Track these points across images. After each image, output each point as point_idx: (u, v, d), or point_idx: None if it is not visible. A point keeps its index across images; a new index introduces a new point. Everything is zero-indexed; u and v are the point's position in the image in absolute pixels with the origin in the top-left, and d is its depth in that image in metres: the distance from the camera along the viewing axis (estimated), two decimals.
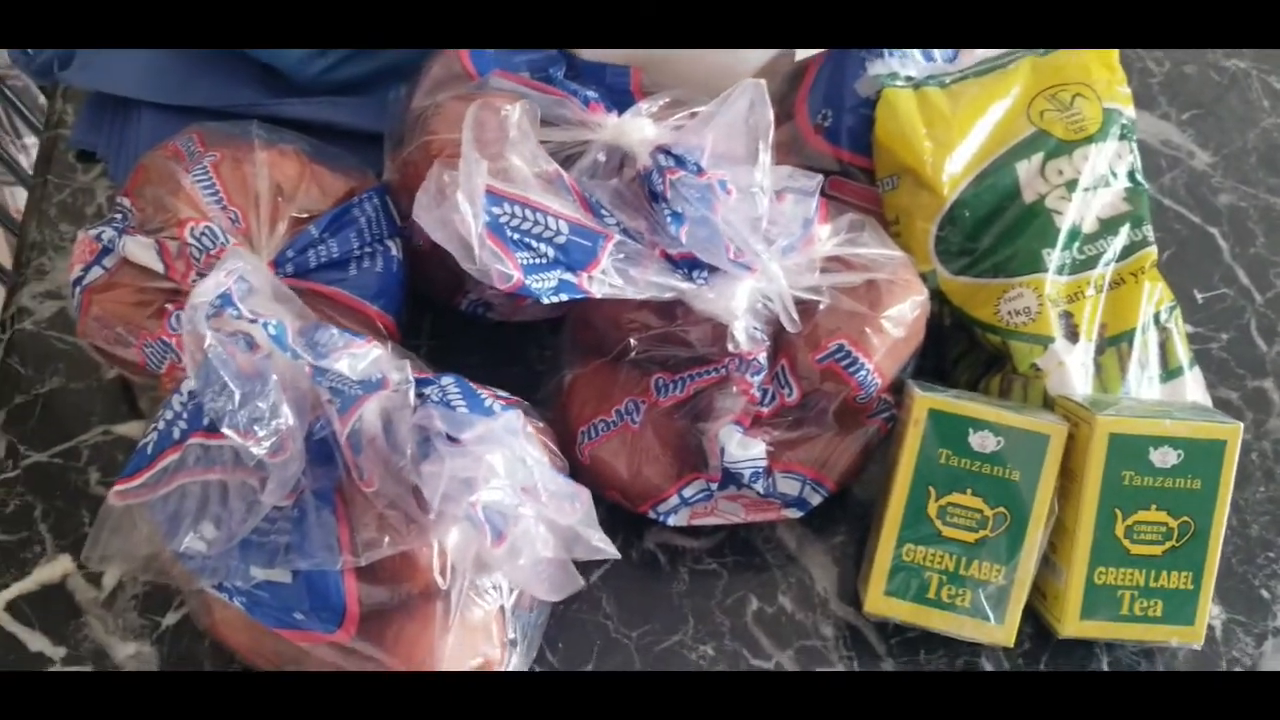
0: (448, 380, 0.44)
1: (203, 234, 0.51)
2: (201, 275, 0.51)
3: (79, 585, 0.56)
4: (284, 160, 0.54)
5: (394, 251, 0.54)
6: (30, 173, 0.78)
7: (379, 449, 0.42)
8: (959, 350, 0.60)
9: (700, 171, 0.48)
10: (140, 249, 0.53)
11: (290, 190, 0.54)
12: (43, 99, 1.05)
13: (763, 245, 0.48)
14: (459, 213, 0.44)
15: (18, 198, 1.14)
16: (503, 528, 0.41)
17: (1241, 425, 0.51)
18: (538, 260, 0.46)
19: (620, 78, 0.60)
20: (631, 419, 0.53)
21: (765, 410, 0.52)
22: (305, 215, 0.54)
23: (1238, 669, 0.55)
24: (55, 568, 0.56)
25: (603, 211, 0.48)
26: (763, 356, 0.51)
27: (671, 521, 0.54)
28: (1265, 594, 0.57)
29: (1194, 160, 0.74)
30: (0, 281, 0.95)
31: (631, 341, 0.52)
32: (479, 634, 0.47)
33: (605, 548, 0.44)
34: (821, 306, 0.51)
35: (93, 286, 0.54)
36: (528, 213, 0.46)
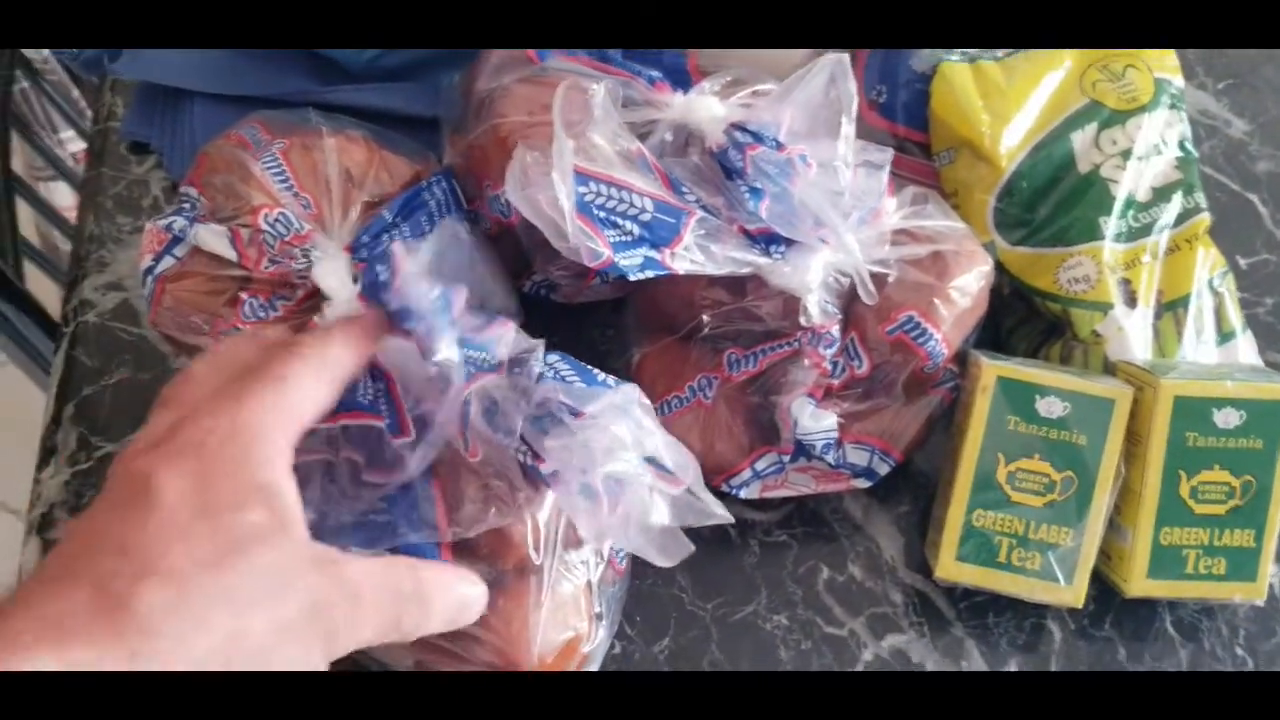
0: (554, 357, 0.45)
1: (277, 220, 0.52)
2: (275, 262, 0.52)
3: None
4: (352, 146, 0.55)
5: (463, 235, 0.55)
6: (71, 166, 0.80)
7: (485, 423, 0.42)
8: (1015, 320, 0.61)
9: (779, 146, 0.49)
10: (213, 237, 0.53)
11: (360, 176, 0.54)
12: (76, 93, 1.05)
13: (841, 219, 0.49)
14: (551, 192, 0.45)
15: (55, 193, 1.14)
16: (619, 496, 0.42)
17: None
18: (624, 238, 0.47)
19: (677, 58, 0.61)
20: (704, 395, 0.54)
21: (836, 383, 0.53)
22: (375, 200, 0.54)
23: None
24: None
25: (683, 189, 0.49)
26: (835, 330, 0.52)
27: (743, 494, 0.55)
28: None
29: (1231, 129, 0.75)
30: (47, 273, 0.96)
31: (705, 318, 0.53)
32: (569, 608, 0.48)
33: (719, 511, 0.45)
34: (890, 279, 0.52)
35: (165, 275, 0.54)
36: (614, 191, 0.47)
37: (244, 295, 0.53)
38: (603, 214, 0.47)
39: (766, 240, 0.49)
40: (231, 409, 0.38)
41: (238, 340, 0.45)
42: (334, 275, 0.51)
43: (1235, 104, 0.76)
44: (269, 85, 0.66)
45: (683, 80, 0.58)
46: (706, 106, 0.53)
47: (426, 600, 0.40)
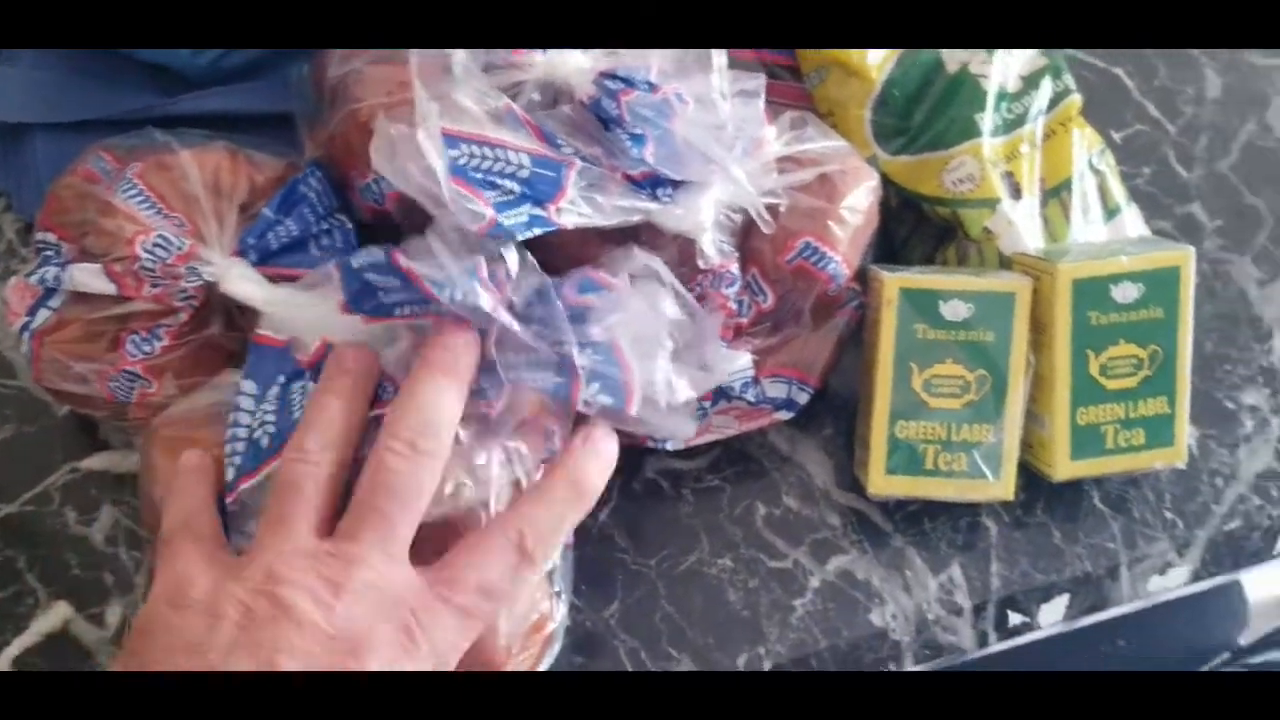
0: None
1: (155, 245, 0.50)
2: (159, 285, 0.49)
3: (83, 628, 0.55)
4: (209, 155, 0.53)
5: (348, 224, 0.53)
6: None
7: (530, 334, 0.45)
8: (907, 229, 0.61)
9: (653, 88, 0.48)
10: (89, 276, 0.51)
11: (227, 183, 0.52)
12: None
13: (726, 152, 0.48)
14: (421, 160, 0.44)
15: None
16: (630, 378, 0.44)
17: (1192, 249, 0.53)
18: (505, 198, 0.45)
19: None
20: None
21: (744, 321, 0.52)
22: (248, 203, 0.52)
23: (1219, 481, 0.58)
24: (54, 616, 0.55)
25: (559, 141, 0.48)
26: (734, 268, 0.51)
27: (670, 446, 0.54)
28: (1230, 405, 0.60)
29: None
30: None
31: None
32: (536, 589, 0.47)
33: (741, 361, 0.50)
34: (781, 208, 0.52)
35: (42, 330, 0.52)
36: (487, 150, 0.45)
37: (123, 334, 0.51)
38: (479, 175, 0.45)
39: (652, 184, 0.48)
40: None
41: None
42: (243, 281, 0.49)
43: None
44: (109, 106, 0.63)
45: None
46: (570, 59, 0.51)
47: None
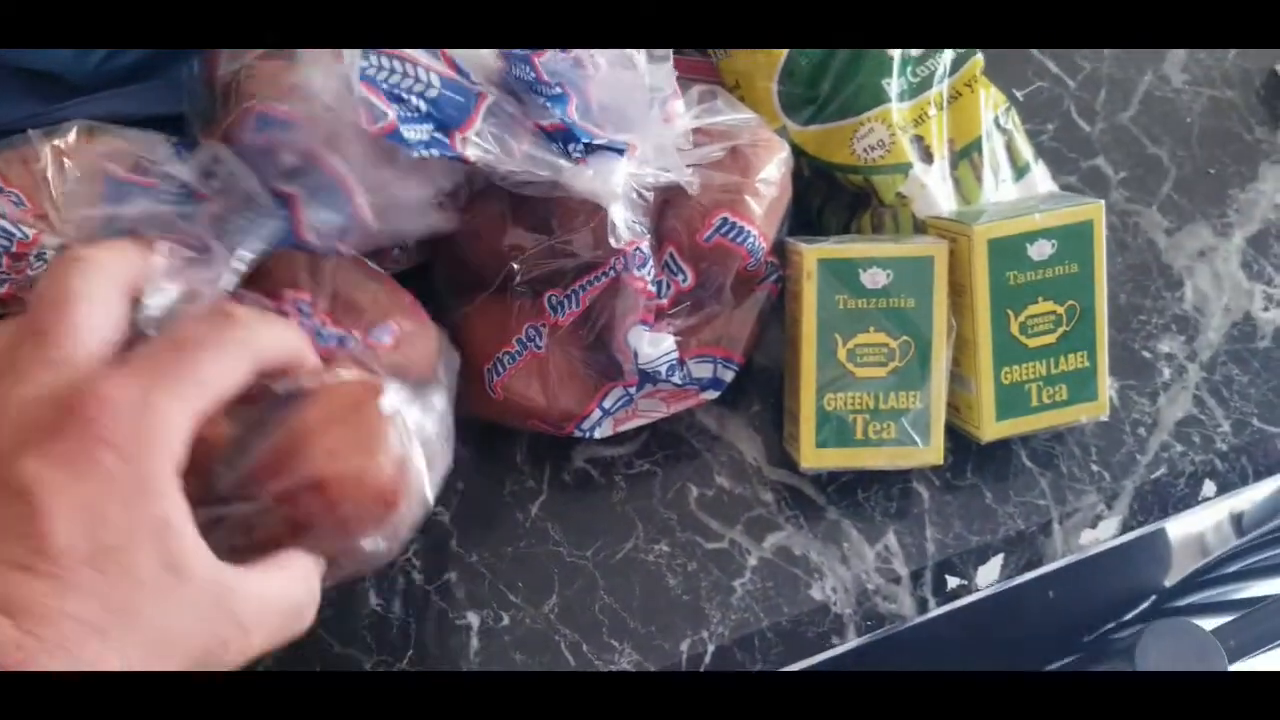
0: None
1: None
2: (4, 279, 0.47)
3: None
4: (66, 138, 0.50)
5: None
6: None
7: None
8: (821, 198, 0.61)
9: (563, 50, 0.47)
10: None
11: (84, 160, 0.50)
12: None
13: (645, 113, 0.47)
14: (330, 70, 0.42)
15: None
16: None
17: (1103, 202, 0.54)
18: (411, 114, 0.44)
19: None
20: (535, 345, 0.52)
21: (664, 302, 0.52)
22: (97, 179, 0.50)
23: (1141, 430, 0.59)
24: None
25: (471, 75, 0.47)
26: (645, 246, 0.50)
27: (597, 434, 0.53)
28: (1147, 354, 0.61)
29: None
30: None
31: (514, 266, 0.51)
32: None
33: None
34: (695, 185, 0.51)
35: None
36: (396, 64, 0.44)
37: None
38: (386, 87, 0.44)
39: (564, 138, 0.47)
40: (135, 412, 0.34)
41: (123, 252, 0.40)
42: None
43: None
44: None
45: None
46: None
47: (316, 600, 0.39)
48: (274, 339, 0.39)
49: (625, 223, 0.49)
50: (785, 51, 0.58)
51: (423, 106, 0.44)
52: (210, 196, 0.45)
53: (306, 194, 0.45)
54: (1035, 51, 0.72)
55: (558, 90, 0.46)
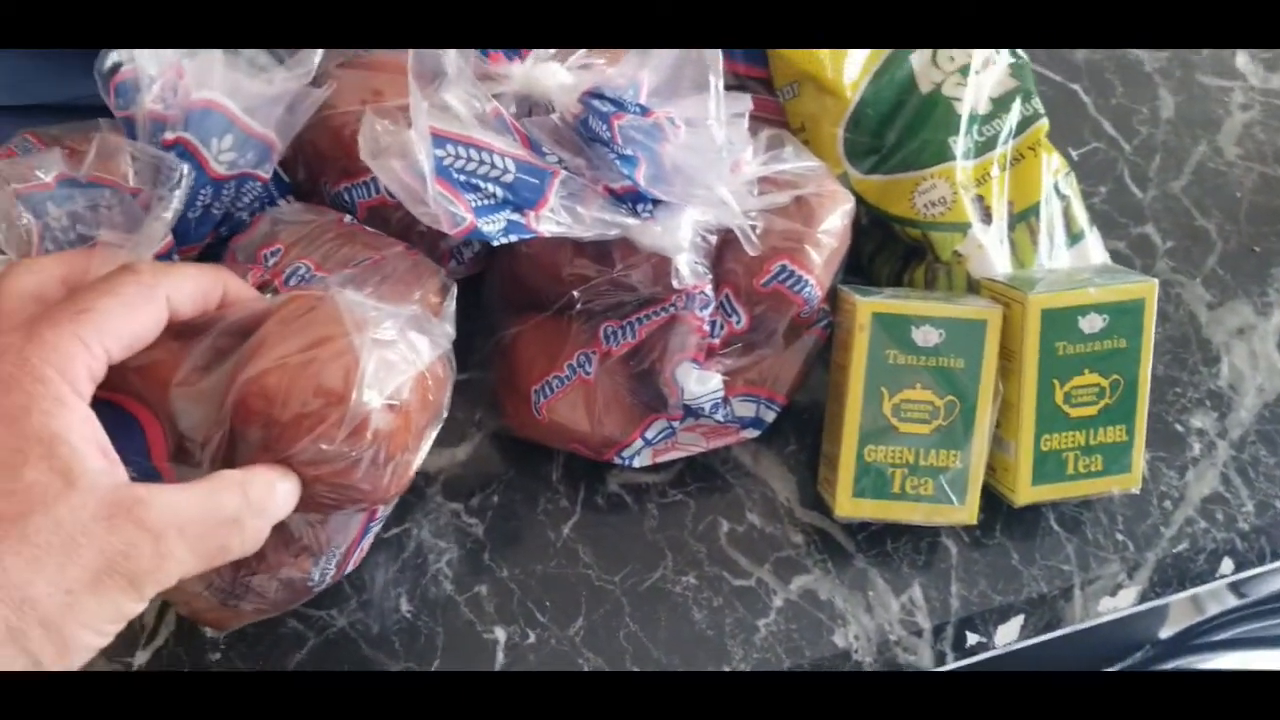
0: None
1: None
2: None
3: None
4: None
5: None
6: None
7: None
8: (874, 245, 0.61)
9: (645, 111, 0.47)
10: None
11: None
12: None
13: (719, 179, 0.48)
14: (408, 157, 0.43)
15: None
16: None
17: (1156, 281, 0.54)
18: (486, 202, 0.44)
19: None
20: (584, 371, 0.52)
21: (716, 342, 0.52)
22: None
23: (1167, 504, 0.59)
24: None
25: (544, 150, 0.47)
26: (708, 289, 0.51)
27: (636, 463, 0.54)
28: (1179, 428, 0.62)
29: None
30: None
31: (575, 294, 0.51)
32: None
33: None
34: (758, 229, 0.51)
35: None
36: (473, 153, 0.44)
37: None
38: (462, 177, 0.44)
39: (633, 199, 0.47)
40: (18, 345, 0.36)
41: (61, 259, 0.42)
42: None
43: None
44: (62, 90, 0.60)
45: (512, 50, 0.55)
46: (551, 74, 0.50)
47: (261, 511, 0.39)
48: (181, 278, 0.41)
49: (689, 267, 0.49)
50: (854, 99, 0.58)
51: (499, 193, 0.45)
52: (125, 186, 0.46)
53: (197, 135, 0.46)
54: (1093, 110, 0.72)
55: (629, 153, 0.46)
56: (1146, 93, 0.74)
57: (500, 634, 0.54)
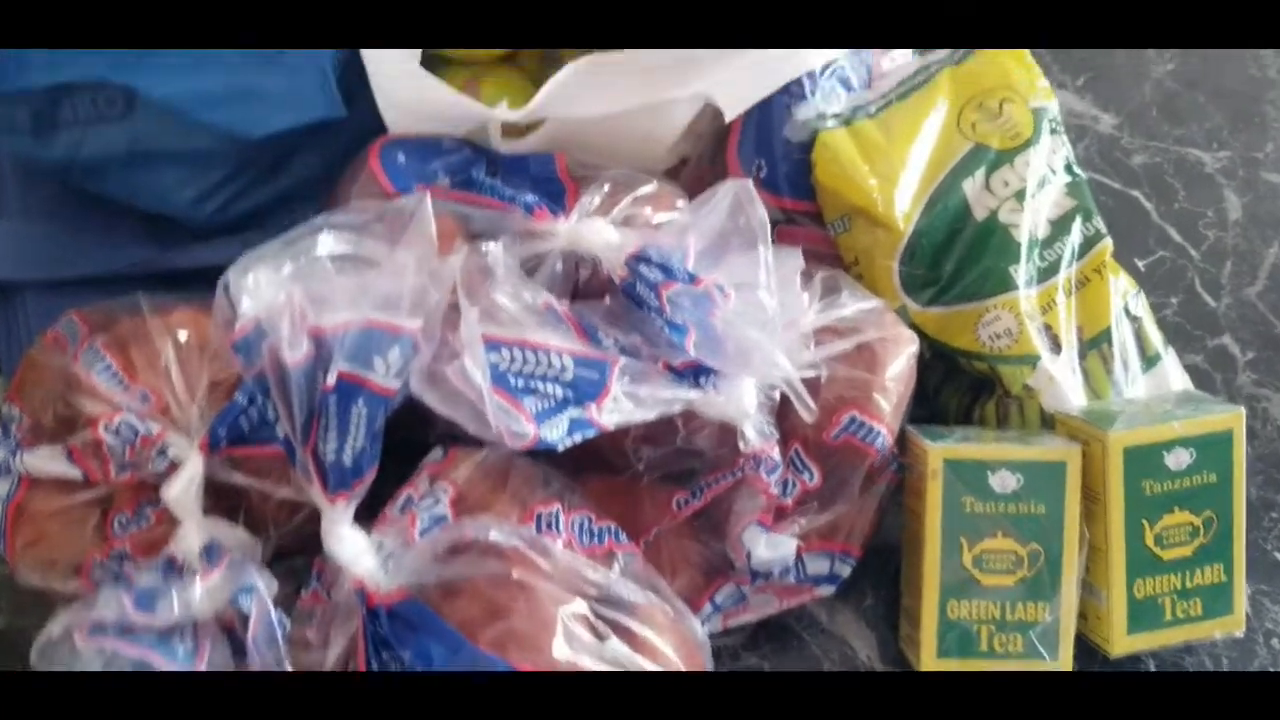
0: None
1: (119, 429, 0.46)
2: (126, 468, 0.46)
3: None
4: (184, 322, 0.50)
5: None
6: None
7: None
8: (938, 378, 0.59)
9: (693, 279, 0.46)
10: (45, 462, 0.48)
11: (198, 349, 0.49)
12: None
13: (771, 343, 0.46)
14: (463, 375, 0.41)
15: None
16: None
17: (1243, 410, 0.51)
18: (547, 404, 0.43)
19: (545, 165, 0.57)
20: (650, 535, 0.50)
21: (788, 502, 0.50)
22: (221, 377, 0.49)
23: (1275, 642, 0.56)
24: None
25: (599, 335, 0.46)
26: (775, 452, 0.48)
27: (706, 629, 0.51)
28: (1279, 555, 0.58)
29: (1100, 125, 0.74)
30: None
31: (641, 469, 0.49)
32: None
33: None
34: (821, 380, 0.49)
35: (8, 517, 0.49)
36: (528, 354, 0.43)
37: (110, 514, 0.48)
38: (520, 381, 0.43)
39: (694, 373, 0.46)
40: None
41: None
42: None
43: (1099, 98, 0.76)
44: (107, 261, 0.60)
45: (553, 188, 0.55)
46: (598, 232, 0.49)
47: None
48: None
49: (756, 430, 0.47)
50: (907, 231, 0.56)
51: (559, 393, 0.43)
52: None
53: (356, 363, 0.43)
54: (1156, 217, 0.70)
55: (679, 321, 0.45)
56: (1210, 194, 0.71)
57: None
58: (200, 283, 0.57)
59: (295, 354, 0.41)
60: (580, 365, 0.44)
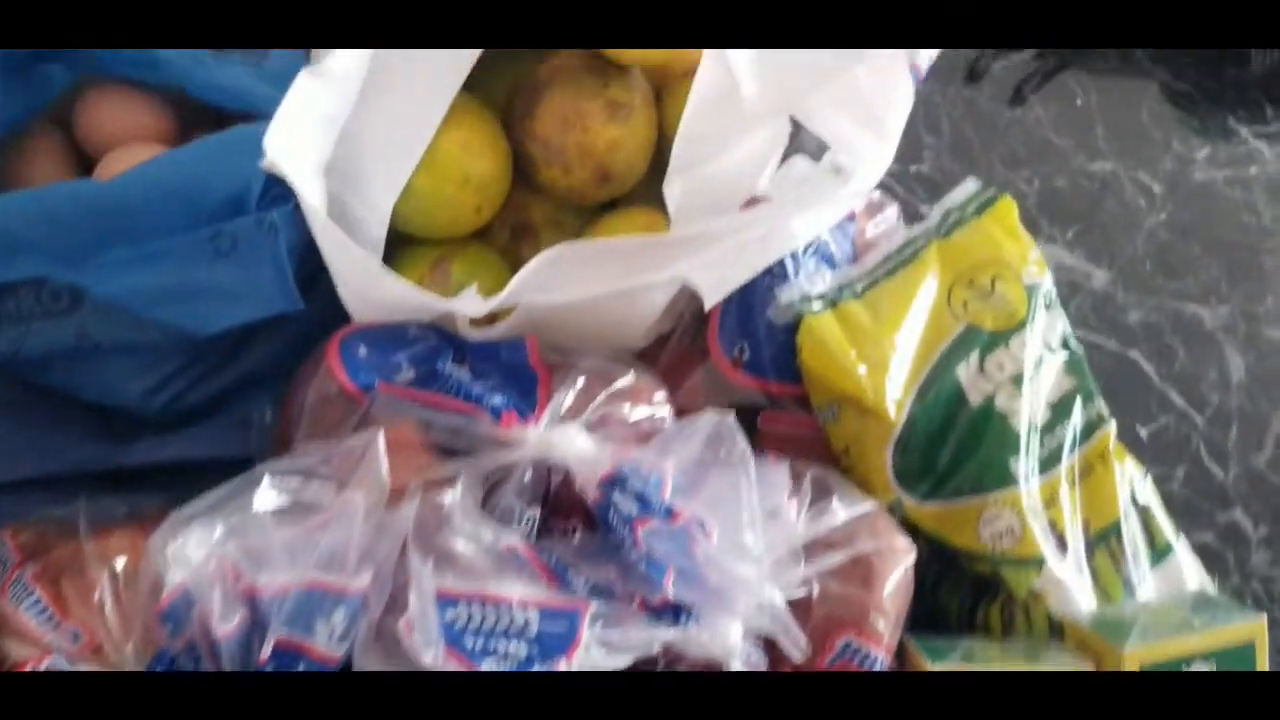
0: None
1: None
2: None
3: None
4: (123, 544, 0.46)
5: None
6: None
7: None
8: (934, 574, 0.55)
9: (671, 514, 0.42)
10: None
11: (136, 578, 0.45)
12: None
13: (756, 580, 0.42)
14: (413, 635, 0.37)
15: None
16: None
17: (1264, 620, 0.48)
18: (507, 665, 0.39)
19: (516, 352, 0.54)
20: None
21: None
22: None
23: None
24: None
25: (568, 575, 0.42)
26: None
27: None
28: None
29: (1092, 281, 0.72)
30: None
31: None
32: None
33: None
34: (813, 597, 0.46)
35: None
36: (488, 610, 0.39)
37: None
38: (478, 642, 0.39)
39: (674, 611, 0.42)
40: None
41: None
42: None
43: (1090, 252, 0.74)
44: (52, 461, 0.56)
45: (524, 376, 0.52)
46: (570, 440, 0.46)
47: None
48: None
49: (743, 661, 0.44)
50: (899, 420, 0.53)
51: (523, 651, 0.40)
52: None
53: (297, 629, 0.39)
54: (1157, 381, 0.68)
55: (657, 558, 0.41)
56: (1211, 353, 0.69)
57: None
58: (152, 483, 0.54)
59: (226, 625, 0.37)
60: (546, 618, 0.40)
